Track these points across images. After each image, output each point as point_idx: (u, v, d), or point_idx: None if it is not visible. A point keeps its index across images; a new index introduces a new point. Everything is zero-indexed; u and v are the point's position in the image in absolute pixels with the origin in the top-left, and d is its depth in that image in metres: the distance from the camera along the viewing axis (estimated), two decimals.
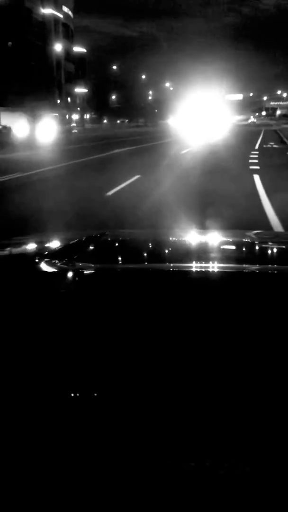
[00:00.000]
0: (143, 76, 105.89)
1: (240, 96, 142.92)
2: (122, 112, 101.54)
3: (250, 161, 15.39)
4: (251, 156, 17.30)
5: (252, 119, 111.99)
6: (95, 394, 0.66)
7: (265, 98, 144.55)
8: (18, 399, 0.66)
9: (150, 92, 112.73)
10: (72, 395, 0.65)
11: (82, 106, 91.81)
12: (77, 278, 1.12)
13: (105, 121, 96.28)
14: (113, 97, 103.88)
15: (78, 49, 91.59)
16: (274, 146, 23.99)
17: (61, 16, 71.22)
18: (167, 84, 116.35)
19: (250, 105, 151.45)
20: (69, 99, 76.22)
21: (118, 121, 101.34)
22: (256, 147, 22.96)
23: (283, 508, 0.52)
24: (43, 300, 0.97)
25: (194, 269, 1.25)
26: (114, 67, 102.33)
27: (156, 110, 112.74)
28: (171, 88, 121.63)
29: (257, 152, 19.28)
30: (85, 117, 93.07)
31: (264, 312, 0.89)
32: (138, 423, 0.60)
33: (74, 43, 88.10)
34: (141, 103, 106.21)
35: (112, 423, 0.61)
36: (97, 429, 0.60)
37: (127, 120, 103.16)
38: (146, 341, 0.79)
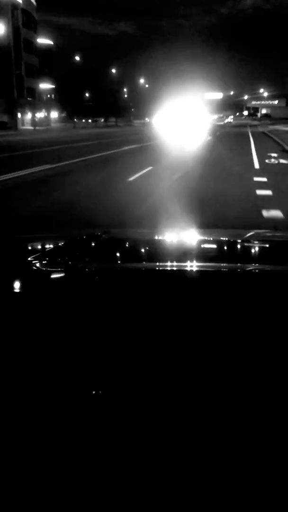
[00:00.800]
0: (113, 70, 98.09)
1: (219, 95, 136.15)
2: (96, 110, 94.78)
3: (266, 213, 6.90)
4: (260, 193, 8.70)
5: (228, 119, 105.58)
6: (95, 393, 0.66)
7: (246, 97, 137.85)
8: (19, 398, 0.66)
9: (125, 90, 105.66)
10: (72, 394, 0.66)
11: (49, 103, 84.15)
12: (76, 278, 1.12)
13: (75, 120, 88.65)
14: (87, 94, 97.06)
15: (44, 41, 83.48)
16: (283, 161, 15.06)
17: (19, 1, 63.10)
18: (142, 81, 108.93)
19: (230, 105, 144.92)
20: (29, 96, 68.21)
21: (90, 120, 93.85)
22: (256, 164, 14.32)
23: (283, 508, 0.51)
24: (42, 299, 0.97)
25: (192, 269, 1.25)
26: (77, 60, 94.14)
27: (132, 109, 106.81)
28: (147, 85, 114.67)
29: (264, 180, 10.51)
30: (52, 115, 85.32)
31: (263, 312, 0.90)
32: (136, 422, 0.60)
33: (48, 38, 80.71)
34: (116, 101, 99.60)
35: (110, 422, 0.61)
36: (96, 428, 0.60)
37: (102, 120, 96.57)
38: (144, 340, 0.79)
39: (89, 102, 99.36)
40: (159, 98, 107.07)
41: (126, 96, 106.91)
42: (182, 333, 0.81)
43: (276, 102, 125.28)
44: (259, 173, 11.95)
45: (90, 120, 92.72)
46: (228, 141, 27.41)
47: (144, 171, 12.22)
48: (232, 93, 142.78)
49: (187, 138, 28.85)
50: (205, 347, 0.76)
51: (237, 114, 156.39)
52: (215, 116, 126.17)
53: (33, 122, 66.73)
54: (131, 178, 10.83)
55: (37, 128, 58.69)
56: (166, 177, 10.89)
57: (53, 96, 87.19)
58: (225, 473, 0.55)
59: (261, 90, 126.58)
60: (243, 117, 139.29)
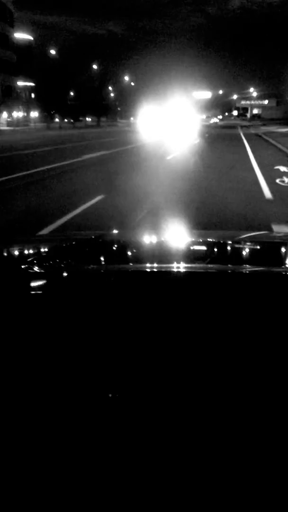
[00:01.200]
0: (95, 66, 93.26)
1: (208, 94, 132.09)
2: (79, 109, 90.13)
3: None
4: None
5: (214, 120, 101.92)
6: (94, 393, 0.67)
7: (235, 96, 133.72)
8: (21, 398, 0.66)
9: (110, 88, 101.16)
10: (72, 394, 0.66)
11: (28, 102, 79.40)
12: (74, 280, 1.13)
13: (56, 119, 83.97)
14: (71, 93, 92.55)
15: (22, 36, 78.71)
16: None
17: None
18: (127, 79, 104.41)
19: (219, 104, 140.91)
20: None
21: (72, 120, 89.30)
22: (265, 189, 9.21)
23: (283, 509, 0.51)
24: (40, 301, 0.98)
25: (190, 271, 1.25)
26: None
27: (119, 109, 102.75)
28: (132, 83, 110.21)
29: None
30: (33, 115, 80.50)
31: (262, 313, 0.91)
32: (136, 422, 0.61)
33: (29, 34, 76.04)
34: (101, 100, 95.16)
35: (110, 422, 0.61)
36: (96, 428, 0.60)
37: (88, 119, 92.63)
38: (144, 342, 0.80)
39: (73, 101, 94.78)
40: (146, 97, 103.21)
41: (112, 95, 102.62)
42: (181, 334, 0.82)
43: (266, 102, 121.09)
44: (276, 209, 7.22)
45: (72, 120, 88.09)
46: (218, 146, 23.09)
47: (82, 208, 7.07)
48: (221, 92, 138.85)
49: (171, 141, 24.51)
50: (204, 349, 0.77)
51: (226, 114, 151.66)
52: (204, 116, 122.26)
53: (24, 121, 61.86)
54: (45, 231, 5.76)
55: (15, 128, 53.88)
56: (117, 221, 6.23)
57: (32, 94, 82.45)
58: (224, 472, 0.55)
59: (251, 89, 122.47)
60: (233, 117, 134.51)
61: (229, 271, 1.23)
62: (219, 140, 28.55)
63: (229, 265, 1.37)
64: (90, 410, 0.64)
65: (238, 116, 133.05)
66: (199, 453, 0.57)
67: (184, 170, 12.26)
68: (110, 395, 0.66)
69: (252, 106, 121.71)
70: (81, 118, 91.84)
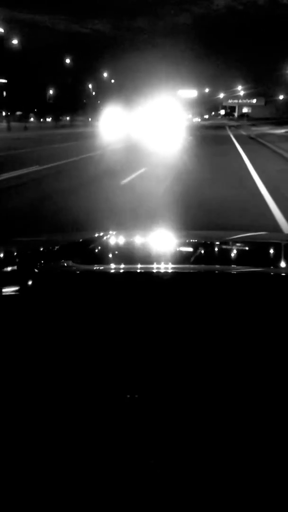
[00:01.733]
0: (67, 60, 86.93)
1: (194, 93, 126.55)
2: (57, 108, 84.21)
3: None
4: None
5: (197, 119, 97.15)
6: (93, 394, 0.67)
7: (221, 95, 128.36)
8: (19, 399, 0.67)
9: (90, 87, 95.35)
10: (71, 395, 0.67)
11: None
12: (77, 279, 1.12)
13: (31, 119, 78.09)
14: (51, 91, 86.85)
15: None
16: None
17: None
18: (107, 77, 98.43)
19: (205, 103, 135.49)
20: None
21: (48, 120, 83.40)
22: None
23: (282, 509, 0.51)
24: (44, 300, 0.98)
25: (190, 271, 1.26)
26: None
27: (101, 107, 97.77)
28: (112, 81, 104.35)
29: None
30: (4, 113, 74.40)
31: (260, 313, 0.91)
32: (135, 422, 0.61)
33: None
34: (81, 99, 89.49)
35: (109, 422, 0.62)
36: (96, 429, 0.61)
37: (68, 118, 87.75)
38: (143, 341, 0.80)
39: (52, 99, 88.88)
40: (129, 96, 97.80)
41: (94, 93, 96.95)
42: (180, 334, 0.82)
43: (254, 101, 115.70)
44: None
45: (48, 119, 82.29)
46: (205, 154, 17.52)
47: None
48: (207, 90, 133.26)
49: (143, 147, 19.06)
50: (203, 349, 0.77)
51: (213, 113, 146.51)
52: (189, 116, 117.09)
53: None
54: None
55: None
56: None
57: (4, 93, 76.32)
58: (224, 472, 0.55)
59: (239, 87, 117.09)
60: (219, 117, 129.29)
61: (228, 272, 1.23)
62: (206, 146, 23.02)
63: (227, 266, 1.38)
64: (90, 409, 0.64)
65: (225, 115, 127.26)
66: (200, 452, 0.57)
67: (141, 217, 6.36)
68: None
69: (240, 105, 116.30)
70: (60, 118, 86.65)
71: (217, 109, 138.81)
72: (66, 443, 0.60)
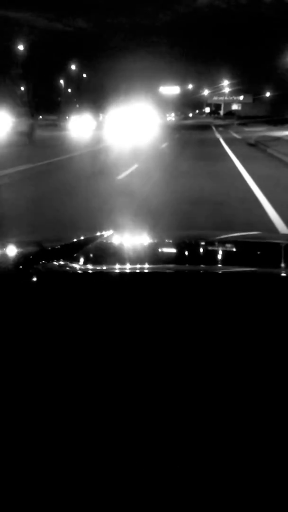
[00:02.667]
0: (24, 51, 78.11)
1: (177, 89, 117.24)
2: (29, 106, 75.66)
3: None
4: None
5: (170, 118, 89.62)
6: (94, 396, 0.67)
7: (206, 92, 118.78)
8: (19, 399, 0.67)
9: (62, 82, 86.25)
10: (71, 396, 0.67)
11: None
12: (74, 280, 1.12)
13: None
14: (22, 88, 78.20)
15: None
16: None
17: None
18: (74, 67, 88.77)
19: (189, 101, 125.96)
20: None
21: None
22: None
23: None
24: (39, 301, 0.98)
25: (191, 271, 1.26)
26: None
27: (77, 105, 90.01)
28: (85, 75, 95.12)
29: None
30: None
31: (261, 315, 0.91)
32: (134, 423, 0.62)
33: None
34: (56, 96, 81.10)
35: (109, 424, 0.62)
36: (96, 429, 0.61)
37: (40, 117, 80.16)
38: (144, 343, 0.80)
39: (22, 97, 79.77)
40: (105, 95, 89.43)
41: (69, 91, 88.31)
42: (181, 334, 0.82)
43: (241, 97, 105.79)
44: None
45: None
46: (188, 176, 9.34)
47: None
48: (190, 87, 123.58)
49: (106, 156, 12.20)
50: (201, 350, 0.77)
51: (197, 111, 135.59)
52: (172, 115, 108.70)
53: None
54: None
55: None
56: None
57: None
58: (225, 472, 0.55)
59: (225, 83, 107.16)
60: (204, 115, 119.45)
61: (226, 272, 1.23)
62: (189, 157, 13.96)
63: (224, 266, 1.39)
64: (89, 410, 0.64)
65: (210, 113, 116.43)
66: (199, 454, 0.58)
67: None
68: (98, 394, 0.67)
69: (226, 103, 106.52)
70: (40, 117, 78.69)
71: (201, 107, 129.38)
72: (66, 444, 0.60)
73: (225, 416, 0.63)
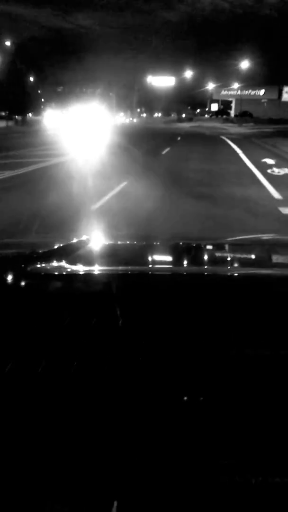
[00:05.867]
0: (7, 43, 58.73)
1: (171, 80, 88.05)
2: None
3: None
4: None
5: (130, 118, 67.91)
6: (92, 395, 0.67)
7: (211, 86, 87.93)
8: (18, 399, 0.67)
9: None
10: (71, 395, 0.67)
11: None
12: (66, 281, 1.12)
13: None
14: None
15: None
16: None
17: None
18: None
19: (186, 97, 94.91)
20: None
21: None
22: None
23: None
24: (33, 302, 0.98)
25: (188, 273, 1.26)
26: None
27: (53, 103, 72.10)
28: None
29: None
30: None
31: (262, 316, 0.90)
32: (134, 423, 0.62)
33: None
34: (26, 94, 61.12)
35: (108, 423, 0.62)
36: (96, 429, 0.61)
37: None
38: (141, 343, 0.80)
39: None
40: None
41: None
42: (179, 336, 0.81)
43: (261, 92, 74.39)
44: None
45: None
46: None
47: None
48: (189, 75, 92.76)
49: None
50: (203, 352, 0.76)
51: (198, 110, 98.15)
52: (158, 114, 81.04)
53: None
54: None
55: None
56: None
57: None
58: (224, 472, 0.55)
59: (239, 63, 75.55)
60: (207, 116, 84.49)
61: (228, 275, 1.21)
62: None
63: (228, 268, 1.37)
64: (89, 409, 0.64)
65: (217, 114, 77.72)
66: (199, 454, 0.57)
67: None
68: (96, 394, 0.67)
69: (238, 99, 76.13)
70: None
71: (203, 106, 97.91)
72: (65, 444, 0.59)
73: (225, 417, 0.63)
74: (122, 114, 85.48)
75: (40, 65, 72.69)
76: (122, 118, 77.84)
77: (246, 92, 73.61)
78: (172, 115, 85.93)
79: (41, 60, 75.22)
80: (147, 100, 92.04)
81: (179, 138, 26.77)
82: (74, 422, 0.63)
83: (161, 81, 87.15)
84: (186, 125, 52.69)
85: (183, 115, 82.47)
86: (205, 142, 23.81)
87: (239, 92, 73.17)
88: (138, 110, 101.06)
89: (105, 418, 0.63)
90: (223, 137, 27.87)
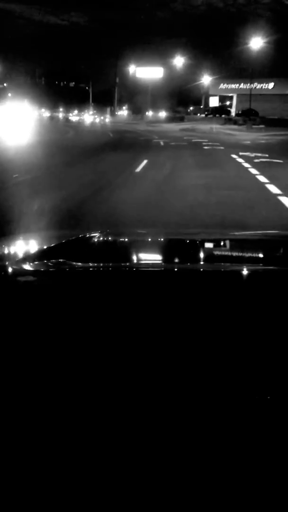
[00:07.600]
0: None
1: (159, 71, 74.45)
2: None
3: None
4: None
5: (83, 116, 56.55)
6: (92, 395, 0.67)
7: (207, 79, 73.63)
8: (18, 399, 0.67)
9: None
10: (70, 395, 0.67)
11: None
12: (67, 278, 1.12)
13: None
14: None
15: None
16: None
17: None
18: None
19: (181, 92, 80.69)
20: None
21: None
22: None
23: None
24: (33, 300, 0.98)
25: (192, 269, 1.25)
26: None
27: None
28: None
29: None
30: None
31: (264, 312, 0.90)
32: (133, 423, 0.62)
33: None
34: None
35: (108, 422, 0.62)
36: (96, 429, 0.61)
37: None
38: (143, 341, 0.80)
39: None
40: None
41: None
42: (182, 333, 0.81)
43: (270, 85, 60.47)
44: None
45: None
46: None
47: None
48: (180, 64, 79.00)
49: None
50: (205, 349, 0.76)
51: (191, 108, 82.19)
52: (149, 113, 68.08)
53: None
54: None
55: None
56: None
57: None
58: (224, 472, 0.55)
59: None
60: (201, 114, 67.65)
61: (230, 271, 1.20)
62: None
63: (231, 264, 1.37)
64: (89, 408, 0.64)
65: (215, 113, 60.34)
66: (199, 453, 0.57)
67: None
68: (97, 394, 0.67)
69: (239, 94, 62.33)
70: None
71: (197, 103, 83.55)
72: (65, 444, 0.59)
73: (225, 415, 0.62)
74: (91, 112, 72.00)
75: None
76: (89, 116, 64.46)
77: (248, 85, 59.51)
78: (160, 113, 72.22)
79: None
80: (130, 96, 78.80)
81: (142, 164, 13.55)
82: (74, 422, 0.62)
83: (148, 73, 73.83)
84: (174, 128, 39.26)
85: (161, 113, 68.04)
86: (206, 179, 10.78)
87: (240, 86, 59.60)
88: (124, 107, 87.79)
89: (105, 418, 0.63)
90: (235, 157, 14.89)
